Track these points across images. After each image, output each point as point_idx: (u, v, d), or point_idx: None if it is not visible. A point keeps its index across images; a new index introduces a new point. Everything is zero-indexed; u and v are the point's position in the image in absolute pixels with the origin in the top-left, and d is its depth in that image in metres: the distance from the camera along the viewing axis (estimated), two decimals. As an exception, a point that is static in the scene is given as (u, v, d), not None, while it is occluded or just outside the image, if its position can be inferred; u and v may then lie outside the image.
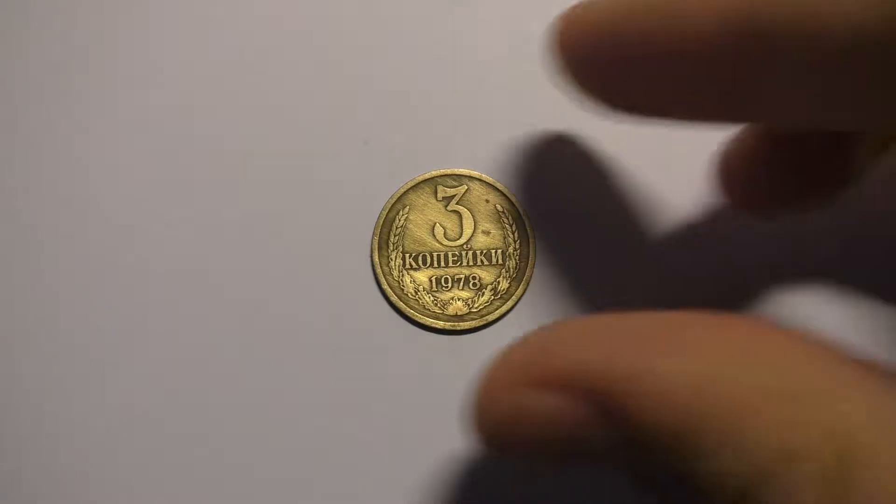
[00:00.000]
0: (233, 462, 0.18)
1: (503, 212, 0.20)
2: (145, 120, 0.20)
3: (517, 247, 0.19)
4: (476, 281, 0.19)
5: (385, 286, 0.19)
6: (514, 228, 0.20)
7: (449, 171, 0.20)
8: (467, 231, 0.20)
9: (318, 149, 0.20)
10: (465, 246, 0.19)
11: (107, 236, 0.19)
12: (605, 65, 0.15)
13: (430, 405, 0.18)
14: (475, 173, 0.20)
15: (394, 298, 0.19)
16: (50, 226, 0.20)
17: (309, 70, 0.21)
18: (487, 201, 0.20)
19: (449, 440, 0.18)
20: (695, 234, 0.19)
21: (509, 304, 0.19)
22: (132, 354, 0.19)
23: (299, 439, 0.18)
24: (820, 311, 0.19)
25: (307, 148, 0.20)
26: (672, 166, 0.20)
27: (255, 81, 0.21)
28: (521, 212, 0.20)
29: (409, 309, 0.19)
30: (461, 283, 0.19)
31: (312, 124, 0.20)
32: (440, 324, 0.19)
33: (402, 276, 0.19)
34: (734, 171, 0.18)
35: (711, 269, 0.19)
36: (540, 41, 0.19)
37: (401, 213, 0.20)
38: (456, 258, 0.19)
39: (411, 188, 0.20)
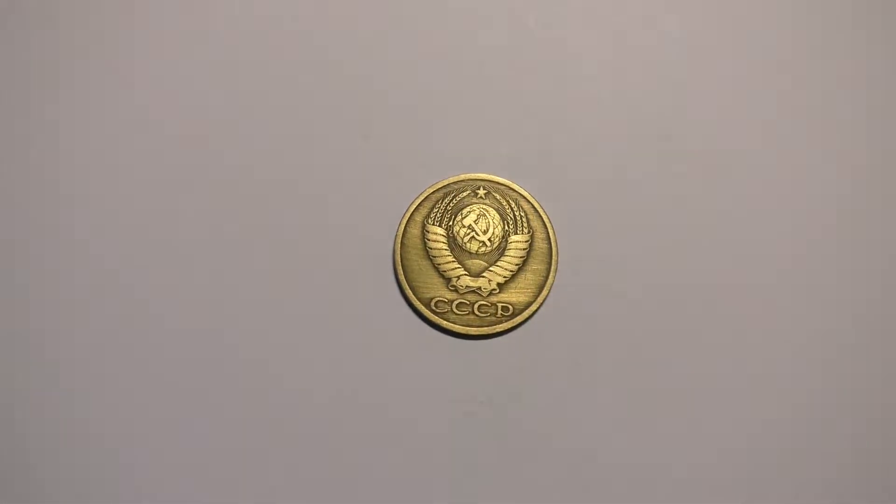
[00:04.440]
0: (245, 467, 0.18)
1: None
2: (143, 121, 0.20)
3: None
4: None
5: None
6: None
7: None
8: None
9: (318, 147, 0.20)
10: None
11: (107, 237, 0.19)
12: None
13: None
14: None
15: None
16: (50, 226, 0.20)
17: (309, 69, 0.21)
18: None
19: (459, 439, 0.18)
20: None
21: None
22: (133, 356, 0.19)
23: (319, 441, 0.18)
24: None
25: (307, 146, 0.20)
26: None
27: (255, 81, 0.21)
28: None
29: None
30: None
31: (312, 123, 0.20)
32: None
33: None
34: None
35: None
36: (540, 38, 0.19)
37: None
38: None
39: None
